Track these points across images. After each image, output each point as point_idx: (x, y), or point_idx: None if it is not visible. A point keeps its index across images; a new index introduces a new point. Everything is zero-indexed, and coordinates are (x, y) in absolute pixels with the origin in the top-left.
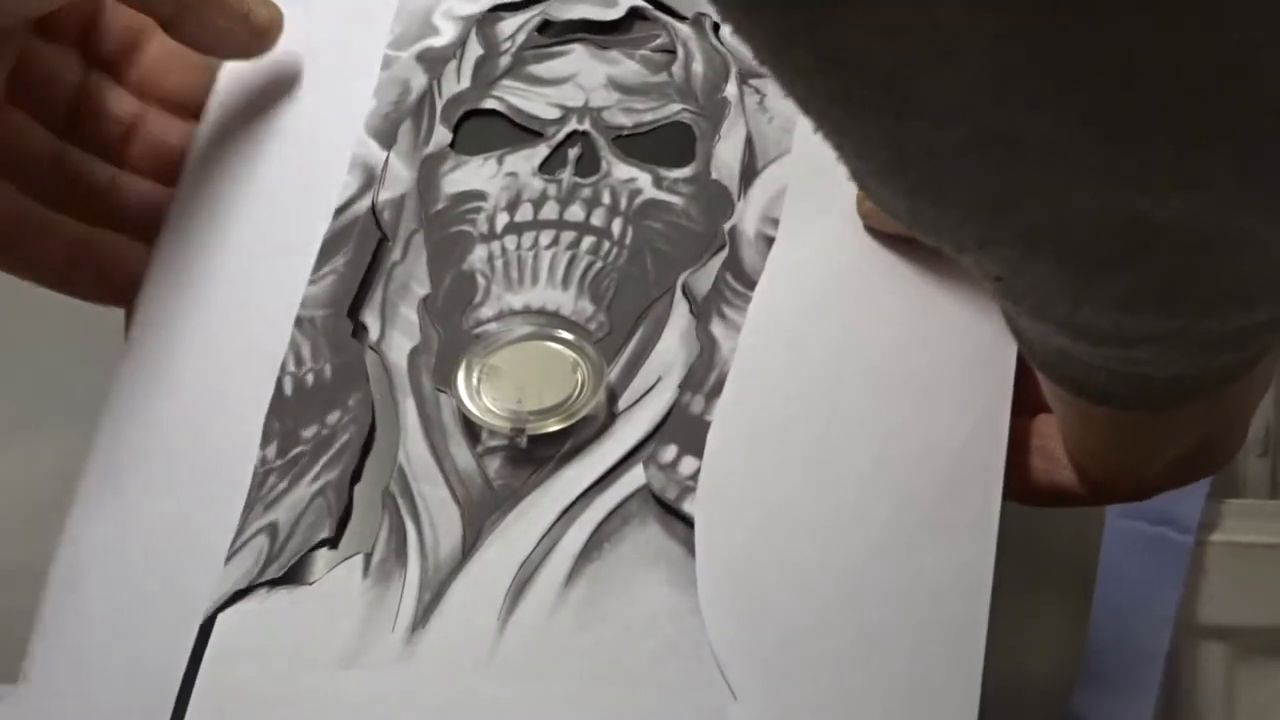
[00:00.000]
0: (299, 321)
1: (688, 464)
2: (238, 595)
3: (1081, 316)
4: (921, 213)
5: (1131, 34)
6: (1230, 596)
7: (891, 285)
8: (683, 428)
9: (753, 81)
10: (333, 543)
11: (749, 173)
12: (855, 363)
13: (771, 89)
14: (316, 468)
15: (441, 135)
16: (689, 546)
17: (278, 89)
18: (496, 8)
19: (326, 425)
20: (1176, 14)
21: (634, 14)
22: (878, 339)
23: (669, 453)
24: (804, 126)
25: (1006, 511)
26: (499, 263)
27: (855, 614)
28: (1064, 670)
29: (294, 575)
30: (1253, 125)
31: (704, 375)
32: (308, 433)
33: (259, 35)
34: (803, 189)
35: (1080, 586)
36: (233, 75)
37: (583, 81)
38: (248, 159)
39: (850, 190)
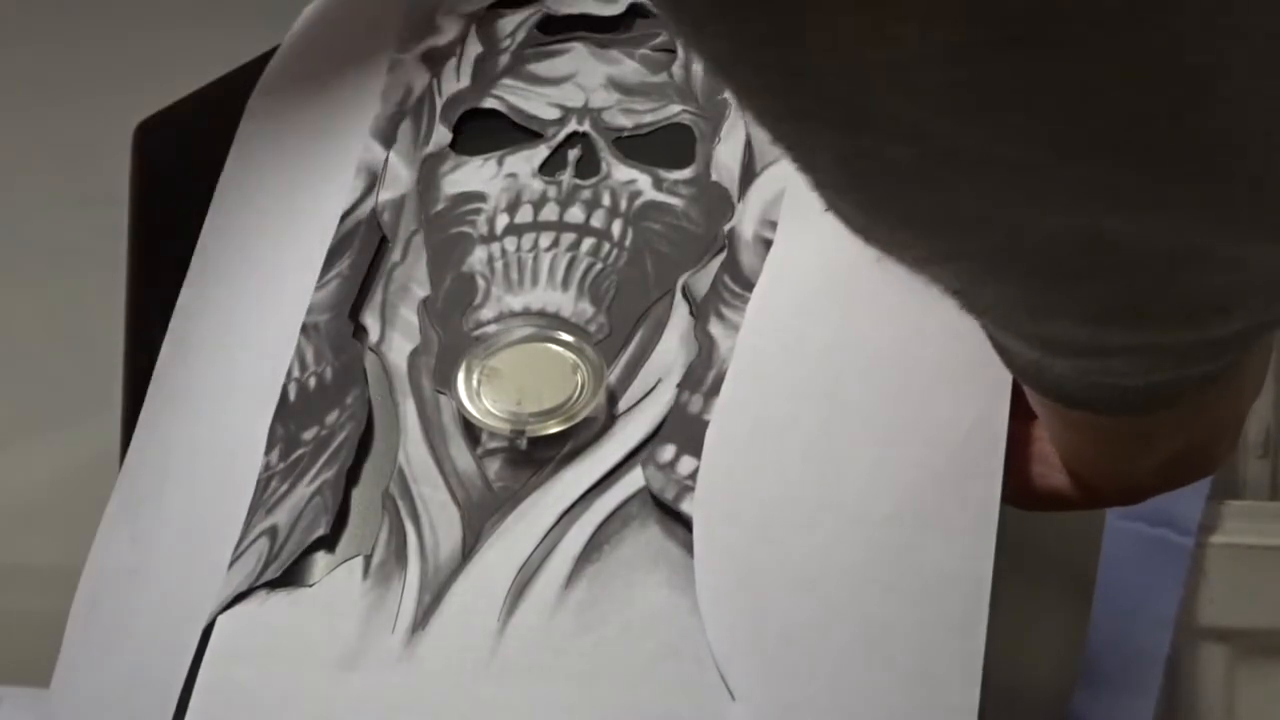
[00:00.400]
0: (304, 328)
1: (686, 463)
2: (239, 598)
3: (1045, 329)
4: (875, 227)
5: (1088, 57)
6: (1230, 598)
7: (890, 286)
8: (681, 427)
9: None
10: (329, 540)
11: (748, 175)
12: (854, 361)
13: None
14: (315, 468)
15: (441, 135)
16: (689, 548)
17: (295, 100)
18: (497, 4)
19: (325, 425)
20: (1134, 40)
21: (634, 10)
22: (876, 338)
23: (667, 452)
24: None
25: (1006, 513)
26: (499, 264)
27: (855, 611)
28: (1064, 671)
29: (294, 577)
30: (1215, 149)
31: (703, 374)
32: (308, 435)
33: None
34: (801, 192)
35: (1080, 588)
36: (258, 97)
37: (583, 81)
38: (269, 173)
39: None
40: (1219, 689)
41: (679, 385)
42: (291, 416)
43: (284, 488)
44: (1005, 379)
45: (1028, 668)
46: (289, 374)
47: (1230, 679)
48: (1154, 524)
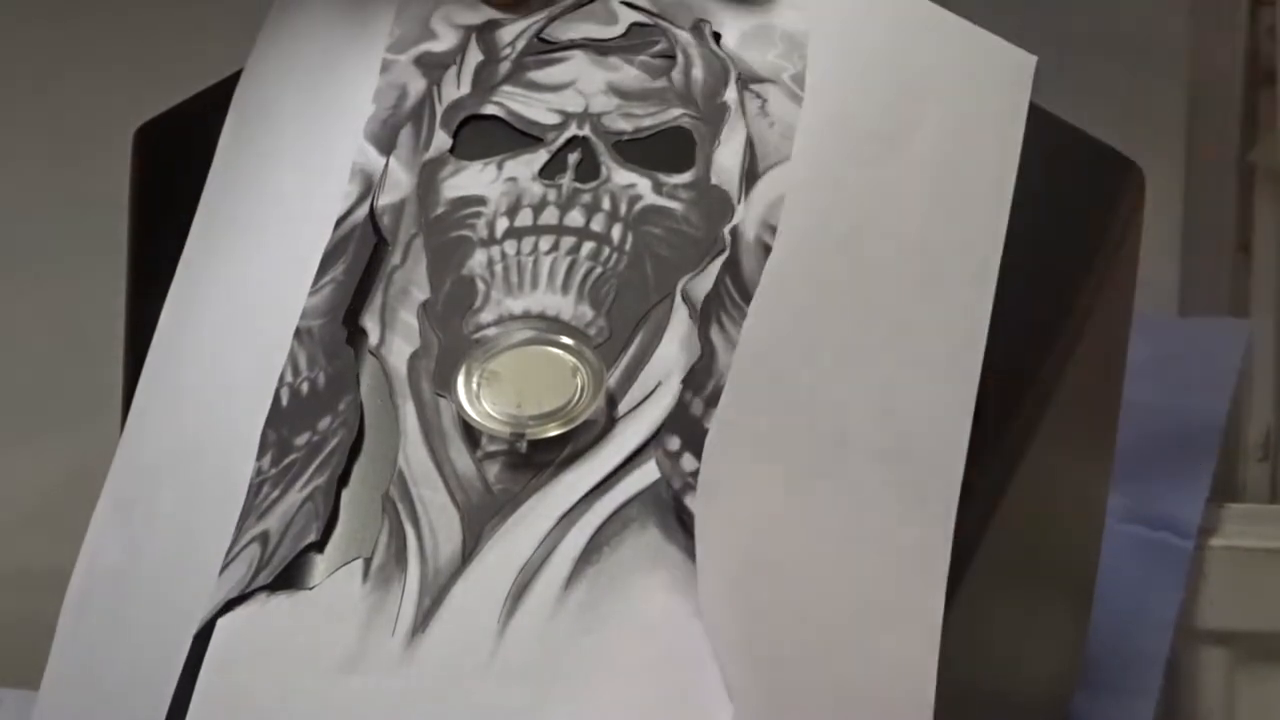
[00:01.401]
0: (298, 333)
1: (689, 461)
2: (233, 603)
3: None
4: None
5: None
6: (1230, 601)
7: (884, 310)
8: (686, 424)
9: (753, 87)
10: (319, 546)
11: (750, 176)
12: (847, 392)
13: (772, 94)
14: (307, 474)
15: (441, 140)
16: (688, 551)
17: (283, 98)
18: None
19: (318, 431)
20: None
21: (635, 27)
22: (853, 400)
23: (673, 442)
24: (804, 135)
25: (1008, 519)
26: (499, 268)
27: (826, 671)
28: (1064, 675)
29: (292, 580)
30: None
31: (704, 380)
32: (300, 440)
33: None
34: (802, 199)
35: (1081, 592)
36: (241, 94)
37: (582, 87)
38: (257, 176)
39: (856, 201)
40: (1219, 692)
41: (683, 383)
42: (284, 421)
43: (276, 494)
44: (955, 474)
45: (1028, 673)
46: (281, 378)
47: (1230, 682)
48: (1154, 527)
